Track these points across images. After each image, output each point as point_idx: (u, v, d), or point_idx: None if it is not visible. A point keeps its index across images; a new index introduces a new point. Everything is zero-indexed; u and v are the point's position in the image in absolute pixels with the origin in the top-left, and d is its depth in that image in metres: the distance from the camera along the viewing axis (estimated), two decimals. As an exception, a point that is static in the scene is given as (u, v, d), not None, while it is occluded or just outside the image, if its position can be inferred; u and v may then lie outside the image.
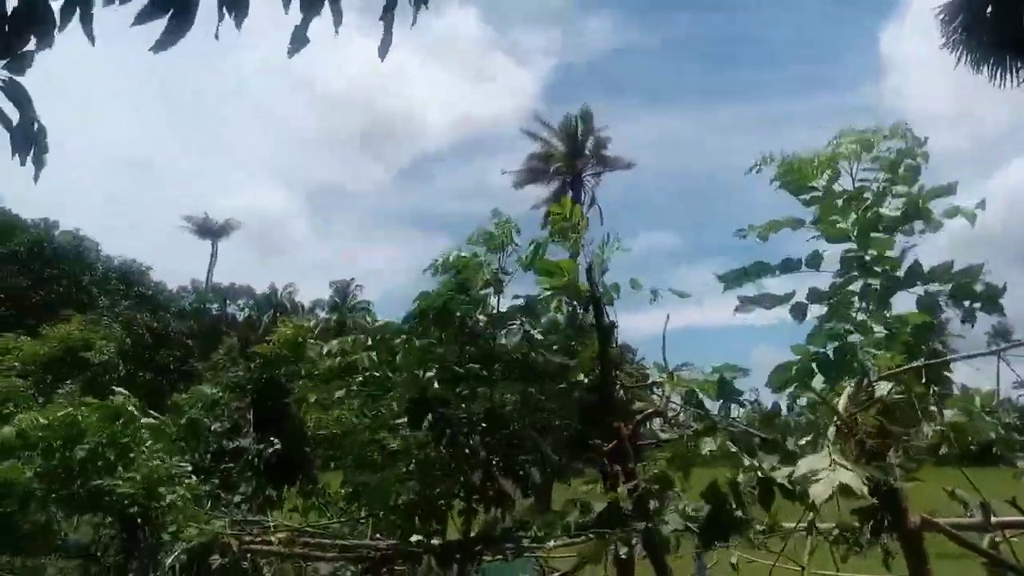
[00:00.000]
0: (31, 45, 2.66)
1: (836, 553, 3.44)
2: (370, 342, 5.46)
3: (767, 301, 3.46)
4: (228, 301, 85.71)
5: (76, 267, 52.82)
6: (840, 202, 3.34)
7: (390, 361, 5.34)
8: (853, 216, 3.30)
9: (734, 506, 2.80)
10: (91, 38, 2.66)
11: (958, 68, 22.48)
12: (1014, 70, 22.52)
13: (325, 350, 5.78)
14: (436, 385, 5.04)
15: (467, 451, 5.07)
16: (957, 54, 22.63)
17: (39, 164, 2.87)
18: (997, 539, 3.55)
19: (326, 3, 2.67)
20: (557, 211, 4.02)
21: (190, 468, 8.24)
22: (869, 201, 3.31)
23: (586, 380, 4.11)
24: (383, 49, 3.05)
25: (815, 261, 3.44)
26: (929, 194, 3.30)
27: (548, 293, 4.20)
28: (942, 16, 22.46)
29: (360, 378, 6.02)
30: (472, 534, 5.36)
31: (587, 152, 58.35)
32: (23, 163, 2.88)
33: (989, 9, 21.97)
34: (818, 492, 2.40)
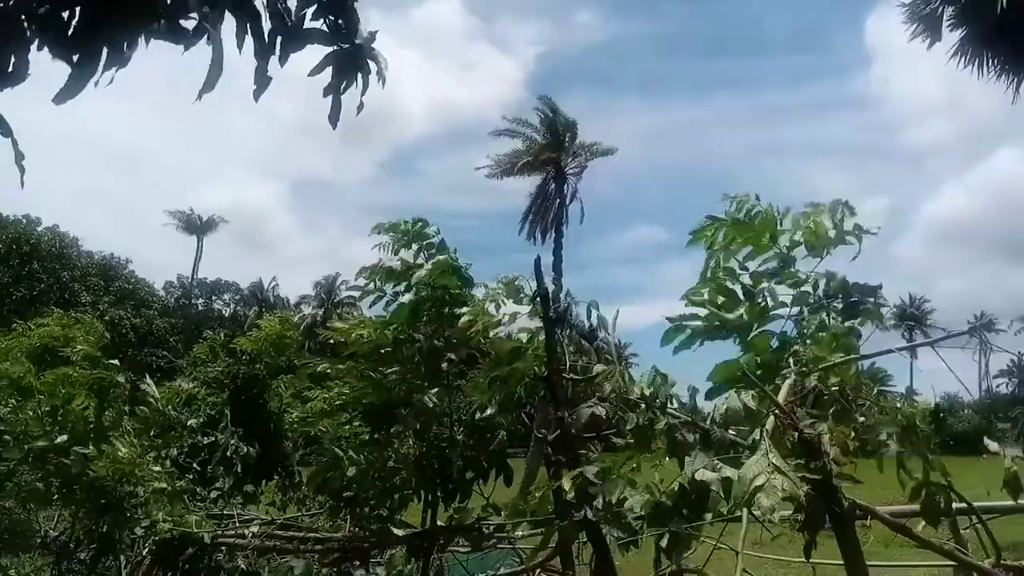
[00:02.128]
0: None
1: (767, 537, 3.54)
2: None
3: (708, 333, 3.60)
4: (214, 297, 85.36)
5: (57, 264, 52.43)
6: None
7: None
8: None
9: (674, 506, 2.90)
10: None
11: (942, 56, 22.80)
12: (991, 60, 22.84)
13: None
14: (403, 380, 5.16)
15: (433, 443, 5.19)
16: (927, 44, 22.90)
17: (21, 171, 2.82)
18: (976, 525, 3.69)
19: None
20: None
21: (168, 462, 8.30)
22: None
23: (534, 372, 4.22)
24: (333, 118, 3.06)
25: (753, 300, 3.60)
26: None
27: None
28: (917, 6, 22.70)
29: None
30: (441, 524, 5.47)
31: (566, 143, 58.19)
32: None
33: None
34: (766, 504, 2.48)
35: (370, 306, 5.14)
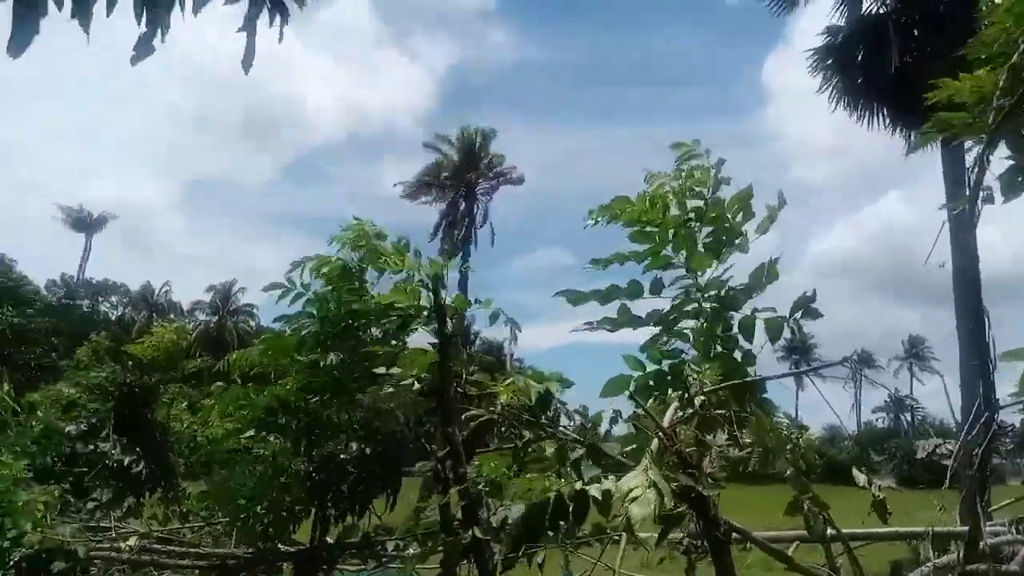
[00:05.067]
0: None
1: (653, 560, 3.66)
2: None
3: (610, 324, 3.66)
4: (100, 298, 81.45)
5: (-72, 256, 49.14)
6: (669, 232, 3.59)
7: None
8: (674, 243, 3.57)
9: (549, 514, 2.94)
10: None
11: (832, 102, 24.14)
12: (881, 114, 24.34)
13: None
14: (299, 392, 5.07)
15: (326, 457, 5.11)
16: (830, 95, 24.30)
17: None
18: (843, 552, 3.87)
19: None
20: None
21: (41, 469, 7.88)
22: (691, 228, 3.57)
23: (422, 387, 4.22)
24: (247, 61, 3.02)
25: (657, 287, 3.68)
26: (732, 202, 3.57)
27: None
28: (815, 57, 24.04)
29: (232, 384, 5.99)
30: (330, 541, 5.38)
31: (481, 167, 58.64)
32: None
33: (859, 56, 23.65)
34: (636, 514, 2.55)
35: (276, 301, 4.94)
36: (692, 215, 3.51)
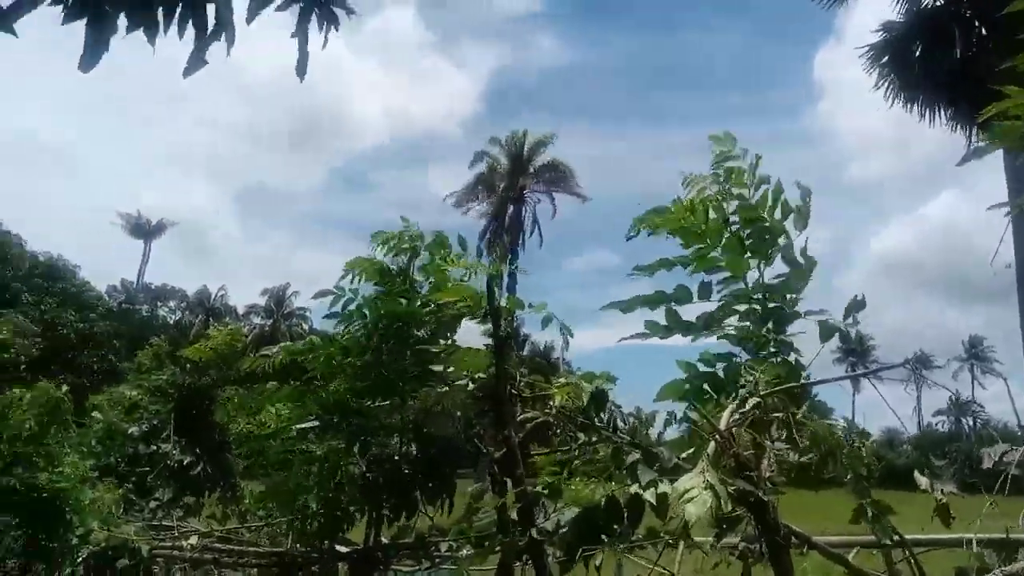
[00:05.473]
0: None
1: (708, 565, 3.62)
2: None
3: (661, 331, 3.64)
4: (159, 303, 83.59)
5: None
6: (713, 235, 3.56)
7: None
8: (721, 247, 3.54)
9: (604, 519, 2.93)
10: (13, 32, 2.67)
11: (889, 99, 23.59)
12: (939, 109, 23.72)
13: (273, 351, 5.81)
14: (350, 394, 5.14)
15: (380, 458, 5.17)
16: (886, 91, 23.76)
17: None
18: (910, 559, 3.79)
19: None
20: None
21: (106, 469, 8.12)
22: (733, 231, 3.55)
23: (480, 390, 4.24)
24: (301, 68, 3.10)
25: (706, 291, 3.65)
26: (764, 200, 3.53)
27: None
28: (870, 54, 23.53)
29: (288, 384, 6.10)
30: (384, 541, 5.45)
31: (531, 171, 58.60)
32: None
33: (917, 51, 23.07)
34: (691, 513, 2.54)
35: (329, 308, 5.03)
36: (732, 216, 3.48)
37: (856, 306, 3.49)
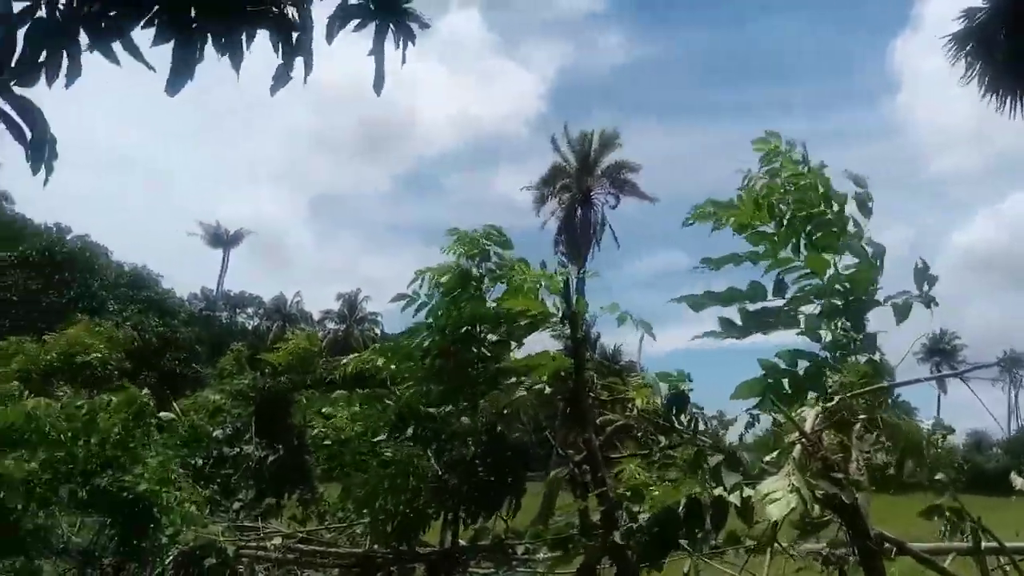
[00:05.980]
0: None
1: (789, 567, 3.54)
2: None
3: (738, 331, 3.57)
4: (238, 310, 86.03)
5: (86, 272, 53.17)
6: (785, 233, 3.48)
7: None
8: (792, 242, 3.46)
9: (683, 523, 2.89)
10: (116, 61, 2.78)
11: (970, 86, 22.66)
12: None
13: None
14: (424, 398, 5.20)
15: (455, 461, 5.22)
16: (969, 80, 22.83)
17: (49, 171, 2.99)
18: (1006, 566, 3.65)
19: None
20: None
21: (192, 471, 8.40)
22: (800, 226, 3.46)
23: (557, 393, 4.23)
24: (378, 84, 3.14)
25: (781, 289, 3.56)
26: (811, 188, 3.44)
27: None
28: (952, 44, 22.65)
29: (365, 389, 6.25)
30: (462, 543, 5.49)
31: (600, 172, 58.29)
32: (35, 173, 3.01)
33: (1001, 37, 22.11)
34: (773, 513, 2.49)
35: (401, 311, 5.07)
36: (796, 211, 3.40)
37: (922, 274, 3.35)
